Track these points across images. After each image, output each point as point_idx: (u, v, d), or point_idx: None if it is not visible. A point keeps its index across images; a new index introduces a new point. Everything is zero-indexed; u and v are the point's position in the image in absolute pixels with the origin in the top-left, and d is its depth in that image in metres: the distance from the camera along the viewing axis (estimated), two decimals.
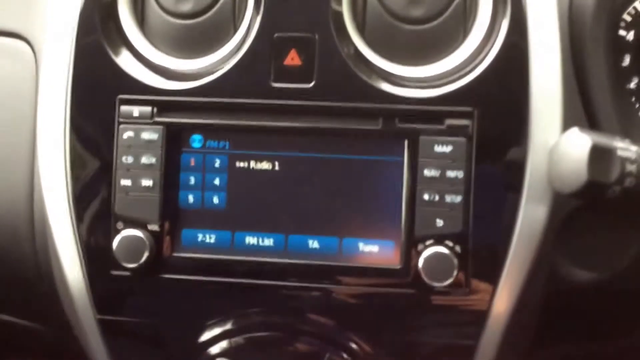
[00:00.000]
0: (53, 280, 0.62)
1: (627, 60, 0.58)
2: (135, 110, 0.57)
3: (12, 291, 0.67)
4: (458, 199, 0.54)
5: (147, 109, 0.57)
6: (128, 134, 0.57)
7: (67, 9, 0.60)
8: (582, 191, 0.47)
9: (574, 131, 0.49)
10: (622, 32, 0.58)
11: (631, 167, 0.48)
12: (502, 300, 0.55)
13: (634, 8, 0.58)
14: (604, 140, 0.47)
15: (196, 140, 0.58)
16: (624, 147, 0.47)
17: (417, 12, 0.56)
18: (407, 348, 0.57)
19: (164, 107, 0.57)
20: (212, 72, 0.57)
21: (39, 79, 0.61)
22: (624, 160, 0.47)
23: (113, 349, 0.61)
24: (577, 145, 0.48)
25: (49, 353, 0.80)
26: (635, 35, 0.58)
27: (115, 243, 0.56)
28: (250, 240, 0.57)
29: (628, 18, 0.58)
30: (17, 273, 0.64)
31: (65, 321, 0.64)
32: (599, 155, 0.47)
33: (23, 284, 0.65)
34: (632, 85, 0.58)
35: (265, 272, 0.57)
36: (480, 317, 0.56)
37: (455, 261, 0.54)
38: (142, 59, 0.59)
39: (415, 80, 0.56)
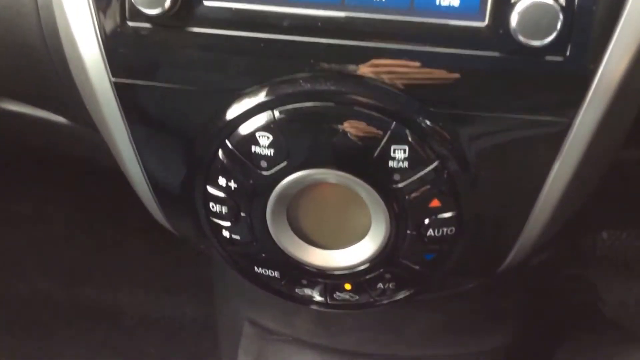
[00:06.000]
0: (62, 49, 0.52)
1: None
2: None
3: (19, 72, 0.59)
4: None
5: None
6: None
7: None
8: None
9: None
10: None
11: None
12: (610, 68, 0.45)
13: None
14: None
15: None
16: None
17: None
18: (488, 124, 0.48)
19: None
20: None
21: None
22: None
23: (131, 120, 0.52)
24: None
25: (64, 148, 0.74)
26: None
27: None
28: None
29: None
30: (23, 51, 0.56)
31: (78, 99, 0.55)
32: None
33: (30, 62, 0.56)
34: None
35: (316, 29, 0.46)
36: (580, 88, 0.46)
37: (560, 15, 0.43)
38: None
39: None
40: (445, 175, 0.49)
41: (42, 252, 1.28)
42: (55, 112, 0.67)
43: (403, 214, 0.50)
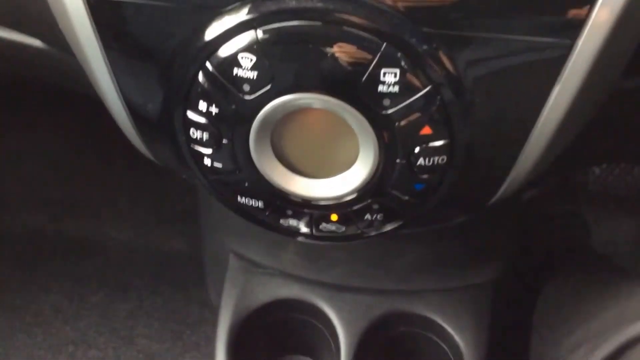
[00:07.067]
0: None
1: None
2: None
3: None
4: None
5: None
6: None
7: None
8: None
9: None
10: None
11: None
12: None
13: None
14: None
15: None
16: None
17: None
18: (485, 46, 0.45)
19: None
20: None
21: None
22: None
23: (106, 41, 0.48)
24: None
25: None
26: None
27: None
28: None
29: None
30: None
31: (51, 19, 0.51)
32: None
33: None
34: None
35: None
36: (583, 7, 0.42)
37: None
38: None
39: None
40: (437, 102, 0.46)
41: (27, 185, 1.26)
42: (30, 34, 0.63)
43: (392, 142, 0.48)
